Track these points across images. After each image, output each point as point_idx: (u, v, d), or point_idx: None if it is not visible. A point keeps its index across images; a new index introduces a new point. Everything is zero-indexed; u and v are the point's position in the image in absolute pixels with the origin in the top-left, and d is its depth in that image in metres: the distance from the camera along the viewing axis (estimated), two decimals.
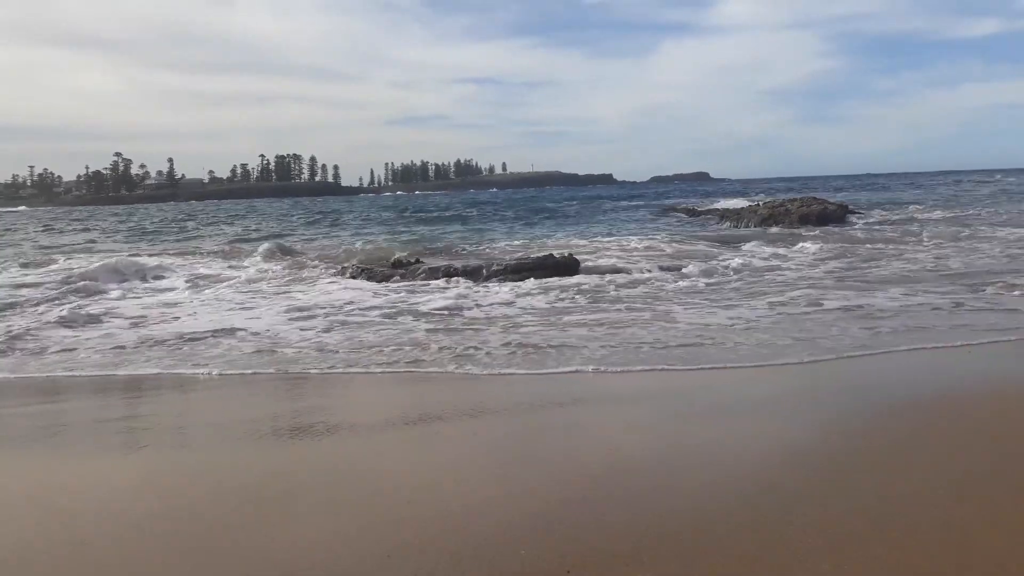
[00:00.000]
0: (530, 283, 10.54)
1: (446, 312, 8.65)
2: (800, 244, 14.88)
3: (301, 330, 7.71)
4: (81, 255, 18.27)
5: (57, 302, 10.09)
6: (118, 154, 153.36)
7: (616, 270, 12.13)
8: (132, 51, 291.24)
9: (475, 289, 10.41)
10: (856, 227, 20.01)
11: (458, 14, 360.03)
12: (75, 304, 9.69)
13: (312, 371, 6.03)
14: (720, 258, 13.40)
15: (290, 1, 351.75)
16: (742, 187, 68.96)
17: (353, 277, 11.93)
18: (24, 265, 16.07)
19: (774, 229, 19.49)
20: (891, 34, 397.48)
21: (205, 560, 2.84)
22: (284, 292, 10.74)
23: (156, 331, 7.88)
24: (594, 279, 10.98)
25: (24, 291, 11.37)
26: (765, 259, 13.15)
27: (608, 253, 15.09)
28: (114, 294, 10.95)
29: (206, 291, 11.17)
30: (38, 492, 3.64)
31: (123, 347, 7.15)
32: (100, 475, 3.86)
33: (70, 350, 7.08)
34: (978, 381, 5.23)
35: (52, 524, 3.23)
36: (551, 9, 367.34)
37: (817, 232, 17.98)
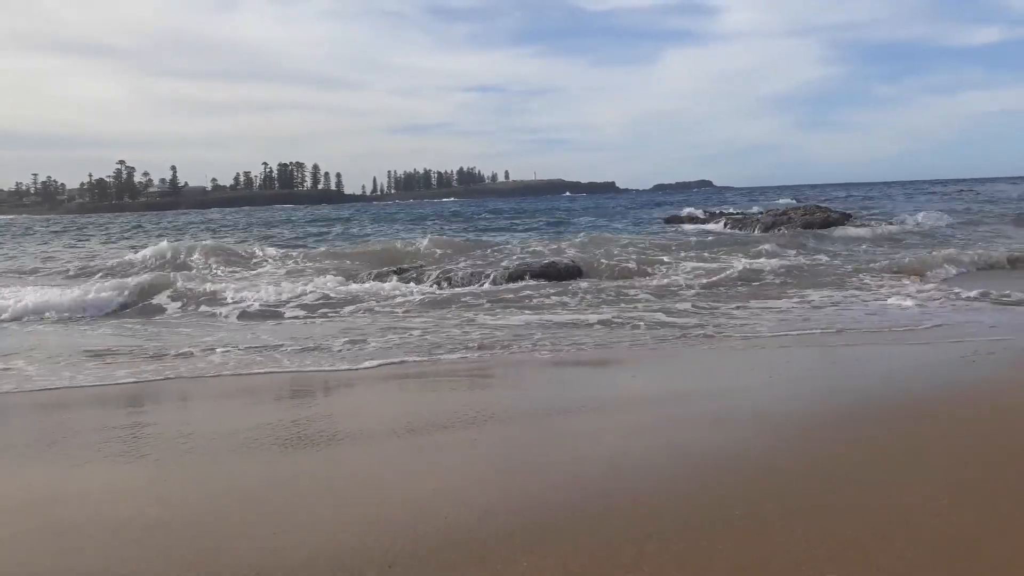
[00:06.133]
0: None
1: None
2: None
3: None
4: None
5: None
6: (121, 162, 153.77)
7: None
8: (135, 59, 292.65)
9: None
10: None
11: (461, 22, 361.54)
12: None
13: None
14: None
15: (293, 9, 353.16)
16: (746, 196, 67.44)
17: None
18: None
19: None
20: (891, 41, 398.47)
21: (206, 569, 2.84)
22: None
23: None
24: None
25: None
26: None
27: None
28: None
29: None
30: (37, 501, 3.63)
31: None
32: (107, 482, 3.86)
33: None
34: (977, 386, 5.22)
35: (50, 532, 3.23)
36: (554, 18, 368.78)
37: None
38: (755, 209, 31.79)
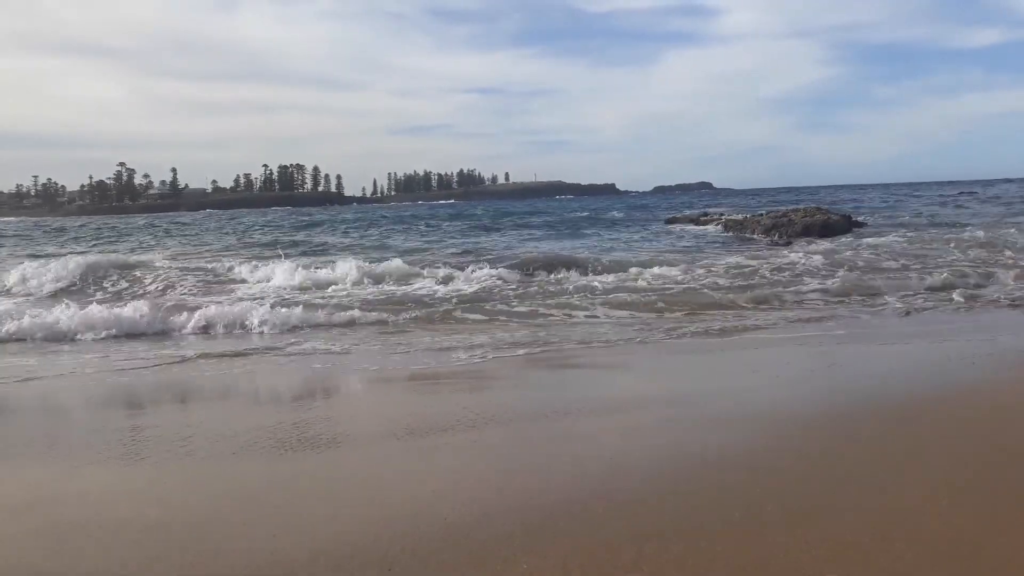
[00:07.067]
0: None
1: None
2: None
3: None
4: None
5: None
6: (121, 164, 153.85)
7: None
8: (135, 59, 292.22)
9: None
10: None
11: (461, 23, 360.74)
12: None
13: None
14: None
15: (293, 9, 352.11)
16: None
17: None
18: None
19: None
20: (891, 43, 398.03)
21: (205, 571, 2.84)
22: None
23: None
24: None
25: None
26: None
27: None
28: None
29: None
30: (37, 501, 3.63)
31: None
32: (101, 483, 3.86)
33: None
34: (977, 386, 5.22)
35: (50, 533, 3.23)
36: (554, 19, 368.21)
37: None
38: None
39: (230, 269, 14.15)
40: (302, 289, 11.86)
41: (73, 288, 12.76)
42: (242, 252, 19.93)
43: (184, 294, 11.81)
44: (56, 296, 11.90)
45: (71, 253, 17.48)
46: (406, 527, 3.12)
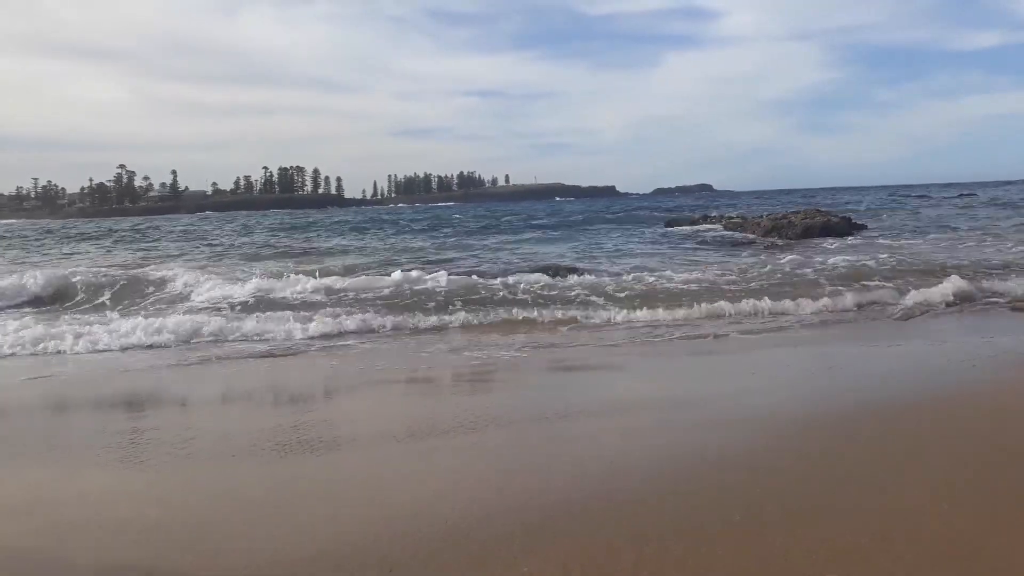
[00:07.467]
0: None
1: None
2: None
3: None
4: None
5: None
6: (122, 166, 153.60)
7: None
8: (135, 61, 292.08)
9: None
10: None
11: (462, 26, 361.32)
12: None
13: None
14: None
15: (294, 12, 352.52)
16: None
17: None
18: None
19: None
20: (892, 45, 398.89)
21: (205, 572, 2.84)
22: None
23: None
24: None
25: None
26: None
27: None
28: None
29: None
30: (38, 501, 3.63)
31: None
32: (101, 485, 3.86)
33: None
34: (977, 386, 5.22)
35: (51, 533, 3.23)
36: (555, 21, 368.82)
37: None
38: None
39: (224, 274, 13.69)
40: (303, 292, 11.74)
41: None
42: (226, 258, 19.61)
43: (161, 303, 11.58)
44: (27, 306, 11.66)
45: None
46: (407, 527, 3.12)
